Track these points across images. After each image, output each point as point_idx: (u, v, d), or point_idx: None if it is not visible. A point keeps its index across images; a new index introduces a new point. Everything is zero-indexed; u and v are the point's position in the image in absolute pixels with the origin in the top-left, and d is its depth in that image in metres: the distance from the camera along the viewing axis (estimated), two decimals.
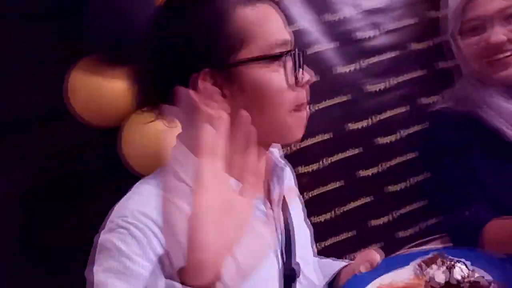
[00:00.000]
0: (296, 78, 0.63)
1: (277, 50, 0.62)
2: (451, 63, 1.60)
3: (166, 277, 0.46)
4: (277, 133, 0.65)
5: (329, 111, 1.57)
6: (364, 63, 1.63)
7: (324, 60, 1.57)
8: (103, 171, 1.26)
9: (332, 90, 1.58)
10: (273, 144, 0.70)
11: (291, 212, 0.73)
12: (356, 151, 1.59)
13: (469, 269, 0.70)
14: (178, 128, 0.70)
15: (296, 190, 0.83)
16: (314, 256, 0.84)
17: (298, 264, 0.70)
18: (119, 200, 0.64)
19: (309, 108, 0.73)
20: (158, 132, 1.08)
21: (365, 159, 1.60)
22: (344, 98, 1.60)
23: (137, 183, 0.68)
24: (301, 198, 0.86)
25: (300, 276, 0.71)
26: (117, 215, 0.61)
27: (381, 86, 1.66)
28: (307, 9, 1.55)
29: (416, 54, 1.70)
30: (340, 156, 1.58)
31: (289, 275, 0.69)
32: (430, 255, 0.73)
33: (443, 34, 0.94)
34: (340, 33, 1.58)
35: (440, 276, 0.69)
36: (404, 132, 1.73)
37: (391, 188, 1.61)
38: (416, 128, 1.59)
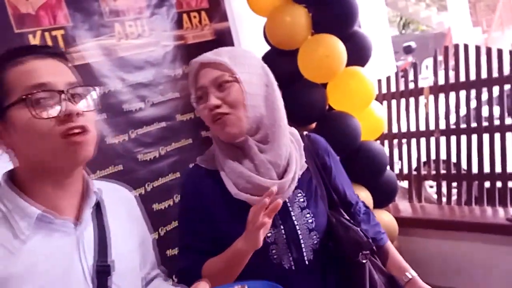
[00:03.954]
0: (60, 111, 0.71)
1: (34, 93, 0.70)
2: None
3: None
4: (54, 158, 0.73)
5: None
6: (133, 133, 1.68)
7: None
8: None
9: (105, 160, 1.58)
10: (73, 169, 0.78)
11: (111, 225, 0.84)
12: None
13: None
14: None
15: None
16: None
17: (113, 261, 0.81)
18: None
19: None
20: None
21: None
22: (118, 168, 1.61)
23: None
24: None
25: (115, 275, 0.81)
26: None
27: (153, 155, 1.74)
28: None
29: (182, 124, 1.85)
30: None
31: (103, 270, 0.79)
32: (237, 286, 0.85)
33: None
34: (108, 105, 1.61)
35: None
36: (177, 197, 1.82)
37: (169, 253, 1.67)
38: None
